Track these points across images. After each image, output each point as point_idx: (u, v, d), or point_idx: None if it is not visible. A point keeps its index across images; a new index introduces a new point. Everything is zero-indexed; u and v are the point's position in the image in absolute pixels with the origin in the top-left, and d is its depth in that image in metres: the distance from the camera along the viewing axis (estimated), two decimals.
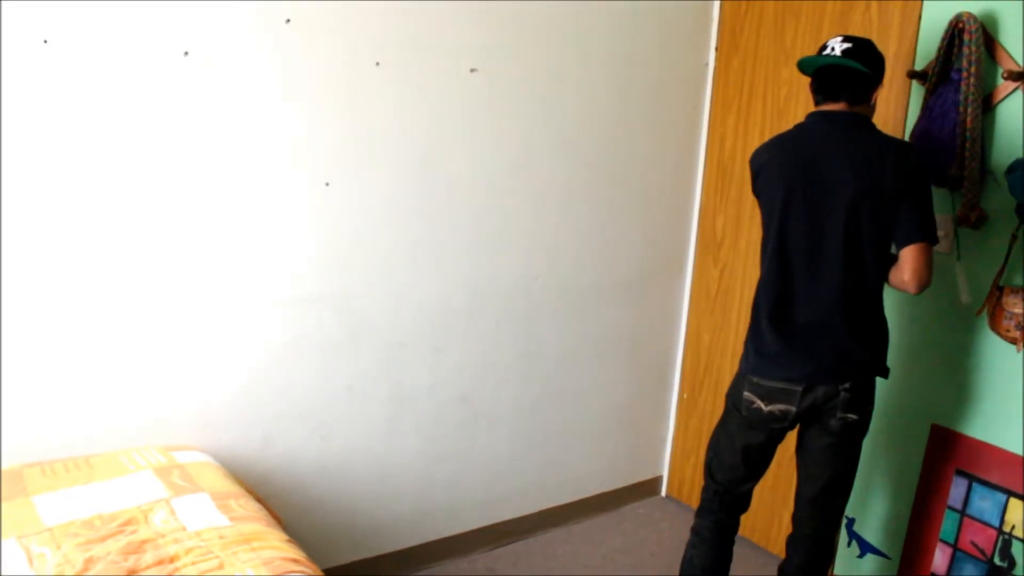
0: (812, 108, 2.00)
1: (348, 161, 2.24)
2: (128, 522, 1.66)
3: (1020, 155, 2.05)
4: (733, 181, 2.89)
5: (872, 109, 1.97)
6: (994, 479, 2.19)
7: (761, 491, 2.38)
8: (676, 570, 2.22)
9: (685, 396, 3.16)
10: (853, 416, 1.97)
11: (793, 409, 1.96)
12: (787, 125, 2.34)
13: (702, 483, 2.19)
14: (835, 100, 1.93)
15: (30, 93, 1.78)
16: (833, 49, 1.90)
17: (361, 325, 2.37)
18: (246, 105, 2.05)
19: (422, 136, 2.34)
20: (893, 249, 1.94)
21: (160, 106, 1.94)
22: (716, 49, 2.91)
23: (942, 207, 2.14)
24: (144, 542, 1.59)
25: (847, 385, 1.93)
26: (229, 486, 1.88)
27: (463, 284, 2.54)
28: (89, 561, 1.52)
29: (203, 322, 2.10)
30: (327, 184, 2.21)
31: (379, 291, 2.38)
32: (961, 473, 2.26)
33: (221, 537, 1.63)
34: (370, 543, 2.53)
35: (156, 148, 1.95)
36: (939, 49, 2.14)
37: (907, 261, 1.87)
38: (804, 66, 1.98)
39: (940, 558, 2.31)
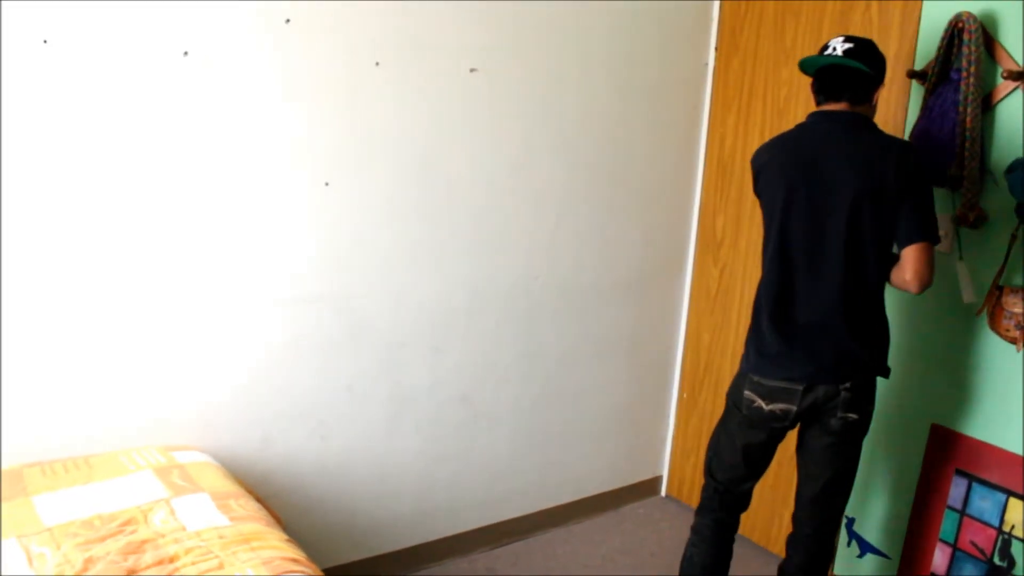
0: (812, 108, 2.00)
1: (348, 161, 2.24)
2: (128, 522, 1.66)
3: (1020, 155, 2.05)
4: (733, 181, 2.89)
5: (873, 109, 1.97)
6: (994, 479, 2.19)
7: (761, 491, 2.38)
8: (676, 570, 2.22)
9: (685, 396, 3.16)
10: (853, 416, 1.97)
11: (794, 408, 1.96)
12: (787, 125, 2.34)
13: (702, 482, 2.20)
14: (836, 100, 1.93)
15: (30, 93, 1.78)
16: (835, 49, 1.90)
17: (361, 325, 2.37)
18: (246, 105, 2.05)
19: (422, 136, 2.34)
20: (895, 249, 1.94)
21: (160, 106, 1.94)
22: (716, 49, 2.91)
23: (942, 207, 2.14)
24: (144, 542, 1.59)
25: (848, 385, 1.94)
26: (229, 486, 1.88)
27: (463, 284, 2.54)
28: (89, 561, 1.52)
29: (203, 322, 2.10)
30: (327, 184, 2.21)
31: (379, 291, 2.38)
32: (961, 473, 2.26)
33: (221, 537, 1.63)
34: (370, 543, 2.53)
35: (156, 148, 1.95)
36: (939, 49, 2.14)
37: (909, 261, 1.87)
38: (806, 66, 1.98)
39: (940, 558, 2.31)
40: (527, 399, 2.79)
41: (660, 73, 2.82)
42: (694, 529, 2.18)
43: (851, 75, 1.90)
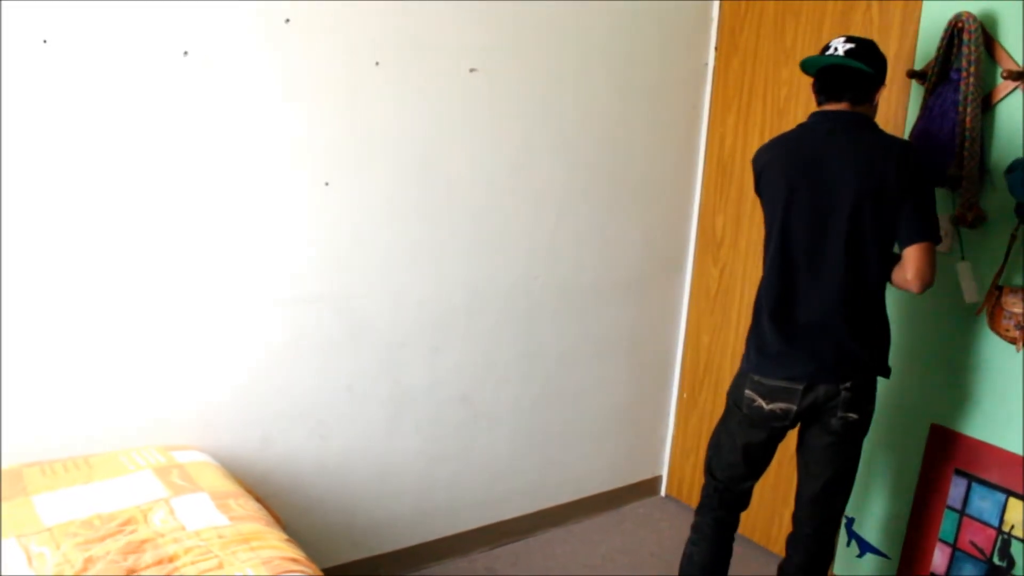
0: (812, 107, 2.00)
1: (348, 161, 2.24)
2: (127, 522, 1.66)
3: (1019, 155, 2.05)
4: (733, 181, 2.89)
5: (874, 109, 1.97)
6: (993, 479, 2.19)
7: (761, 490, 2.38)
8: (676, 570, 2.22)
9: (685, 396, 3.16)
10: (854, 415, 1.97)
11: (794, 408, 1.96)
12: (787, 125, 2.34)
13: (702, 482, 2.20)
14: (838, 100, 1.93)
15: (30, 93, 1.78)
16: (836, 49, 1.91)
17: (361, 325, 2.37)
18: (246, 105, 2.05)
19: (422, 136, 2.34)
20: (896, 249, 1.95)
21: (160, 106, 1.94)
22: (716, 49, 2.91)
23: (942, 207, 2.14)
24: (143, 542, 1.59)
25: (848, 384, 1.94)
26: (228, 486, 1.88)
27: (463, 284, 2.54)
28: (88, 561, 1.52)
29: (203, 322, 2.10)
30: (327, 184, 2.21)
31: (379, 291, 2.38)
32: (960, 473, 2.26)
33: (220, 537, 1.63)
34: (370, 543, 2.53)
35: (156, 148, 1.95)
36: (938, 49, 2.14)
37: (910, 260, 1.87)
38: (807, 66, 1.98)
39: (939, 558, 2.31)
40: (527, 399, 2.79)
41: (660, 73, 2.82)
42: (694, 527, 2.18)
43: (852, 75, 1.90)
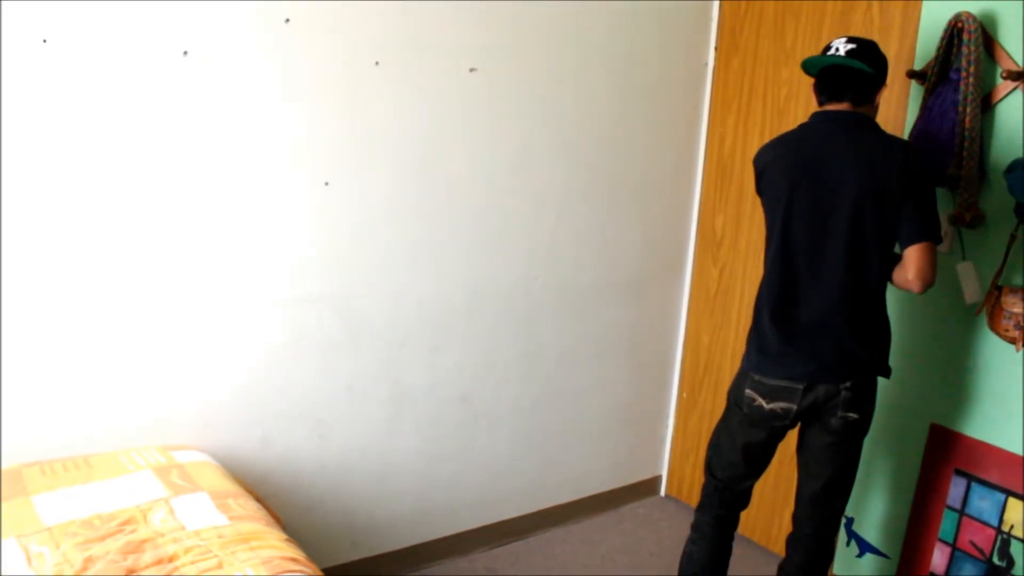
0: (812, 107, 2.01)
1: (348, 161, 2.24)
2: (127, 521, 1.66)
3: (1019, 155, 2.05)
4: (733, 180, 2.89)
5: (875, 109, 1.97)
6: (993, 479, 2.19)
7: (762, 490, 2.38)
8: (676, 570, 2.22)
9: (685, 396, 3.16)
10: (854, 415, 1.97)
11: (794, 407, 1.96)
12: (787, 125, 2.35)
13: (702, 481, 2.20)
14: (839, 100, 1.93)
15: (30, 93, 1.78)
16: (837, 50, 1.91)
17: (361, 325, 2.37)
18: (246, 105, 2.05)
19: (422, 136, 2.34)
20: (897, 249, 1.95)
21: (160, 106, 1.94)
22: (716, 49, 2.91)
23: (942, 207, 2.14)
24: (143, 541, 1.59)
25: (848, 384, 1.94)
26: (228, 485, 1.88)
27: (463, 284, 2.54)
28: (88, 560, 1.52)
29: (203, 322, 2.10)
30: (327, 184, 2.21)
31: (379, 291, 2.38)
32: (960, 473, 2.26)
33: (220, 536, 1.63)
34: (370, 543, 2.53)
35: (156, 148, 1.95)
36: (938, 49, 2.14)
37: (911, 260, 1.87)
38: (808, 66, 1.98)
39: (939, 557, 2.31)
40: (527, 399, 2.79)
41: (660, 73, 2.82)
42: (694, 526, 2.18)
43: (853, 76, 1.90)
